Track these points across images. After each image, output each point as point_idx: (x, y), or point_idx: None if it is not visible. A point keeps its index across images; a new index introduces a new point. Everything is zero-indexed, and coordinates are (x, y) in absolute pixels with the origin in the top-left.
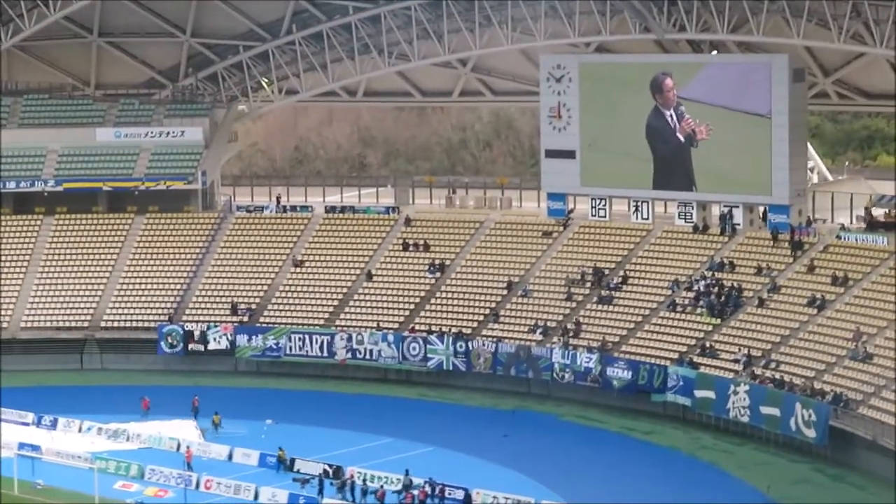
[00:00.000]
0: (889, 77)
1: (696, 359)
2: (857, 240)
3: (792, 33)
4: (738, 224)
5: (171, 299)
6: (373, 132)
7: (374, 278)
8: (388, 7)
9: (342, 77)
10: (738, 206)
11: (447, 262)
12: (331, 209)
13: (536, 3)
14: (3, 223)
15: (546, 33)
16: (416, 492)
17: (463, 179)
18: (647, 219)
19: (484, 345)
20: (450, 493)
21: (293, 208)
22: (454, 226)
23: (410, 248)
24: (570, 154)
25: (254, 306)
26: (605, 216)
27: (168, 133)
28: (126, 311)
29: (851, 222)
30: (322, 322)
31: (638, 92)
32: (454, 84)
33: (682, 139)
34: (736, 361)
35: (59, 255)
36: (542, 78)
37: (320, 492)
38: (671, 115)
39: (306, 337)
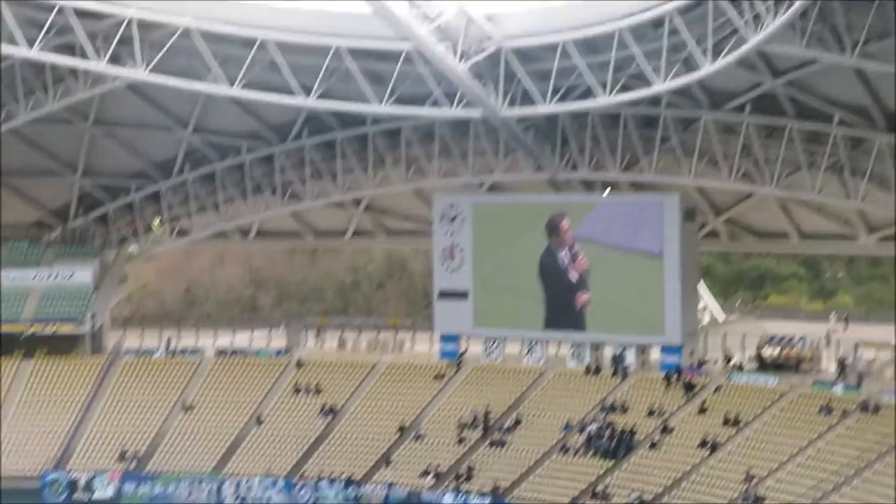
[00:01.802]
0: (778, 216)
1: (588, 502)
2: (748, 380)
3: (683, 172)
4: (631, 365)
5: (57, 446)
6: (265, 274)
7: (265, 422)
8: (281, 147)
9: (235, 217)
10: (630, 347)
11: (339, 406)
12: (221, 352)
13: (429, 143)
14: None
15: (439, 172)
16: None
17: (355, 321)
18: (540, 360)
19: (375, 490)
20: None
21: (183, 351)
22: (346, 369)
23: (302, 392)
24: (463, 294)
25: (142, 452)
26: (497, 357)
27: (57, 275)
28: (10, 458)
29: (743, 362)
30: (211, 468)
31: (531, 231)
32: (347, 224)
33: (574, 279)
34: None
35: None
36: (435, 218)
37: None
38: (565, 254)
39: (195, 484)
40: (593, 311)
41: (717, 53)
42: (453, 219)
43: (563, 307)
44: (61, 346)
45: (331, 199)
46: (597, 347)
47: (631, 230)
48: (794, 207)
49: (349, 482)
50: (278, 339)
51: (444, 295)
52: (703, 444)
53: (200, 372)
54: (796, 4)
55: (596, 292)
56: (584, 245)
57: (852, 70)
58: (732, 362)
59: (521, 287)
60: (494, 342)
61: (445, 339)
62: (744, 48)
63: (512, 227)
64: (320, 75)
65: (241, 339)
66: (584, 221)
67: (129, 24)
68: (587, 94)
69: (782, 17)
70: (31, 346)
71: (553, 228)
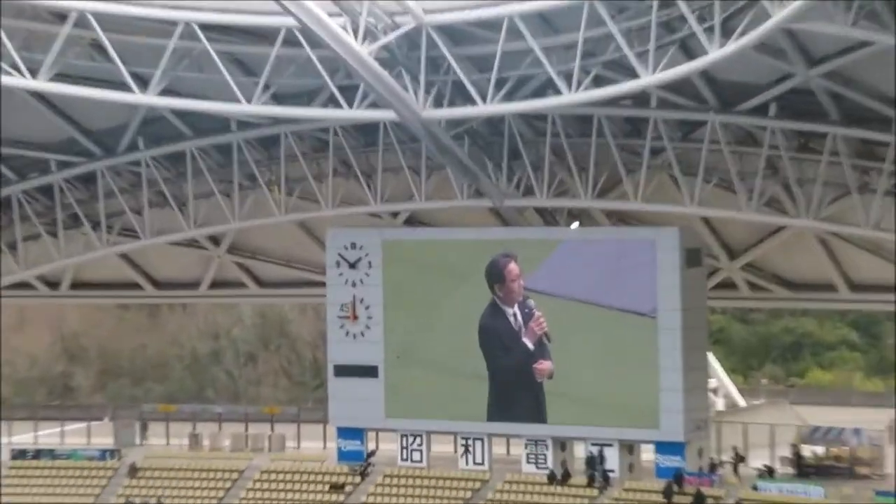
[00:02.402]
0: (818, 259)
1: None
2: (781, 491)
3: (683, 198)
4: (613, 471)
5: None
6: (83, 342)
7: None
8: (106, 162)
9: (39, 262)
10: (611, 445)
11: None
12: (20, 453)
13: (320, 158)
14: None
15: (335, 198)
16: None
17: (214, 409)
18: (482, 463)
19: None
20: None
21: None
22: (201, 477)
23: None
24: (370, 371)
25: None
26: (421, 460)
27: None
28: None
29: (774, 466)
30: None
31: (467, 280)
32: (203, 271)
33: (530, 347)
34: None
35: None
36: (329, 263)
37: None
38: (515, 314)
39: None
40: (558, 395)
41: (727, 33)
42: (355, 263)
43: (514, 389)
44: None
45: (179, 236)
46: (563, 446)
47: (610, 280)
48: (840, 247)
49: None
50: (102, 435)
51: (343, 371)
52: None
53: None
54: None
55: (562, 368)
56: (542, 300)
57: None
58: (758, 466)
59: (453, 360)
60: (416, 439)
61: (345, 434)
62: (766, 26)
63: (440, 276)
64: (163, 62)
65: (49, 434)
66: (541, 266)
67: None
68: (545, 89)
69: None
70: None
71: (496, 276)
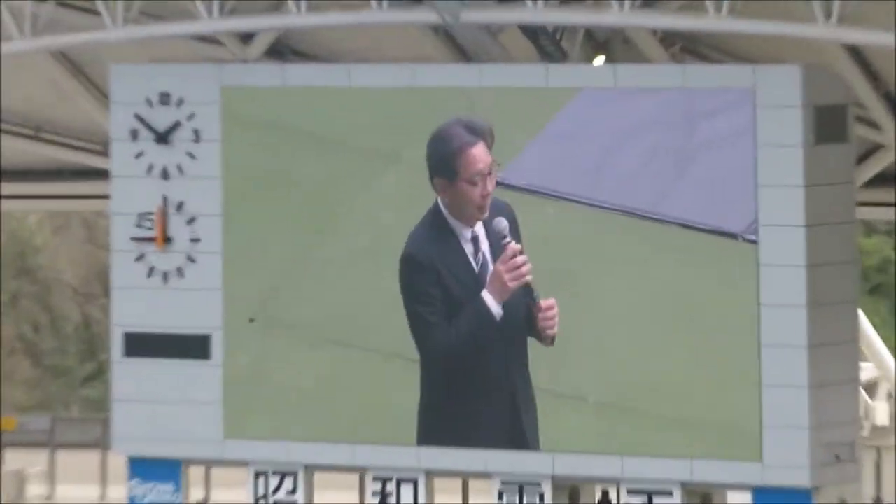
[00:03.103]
0: None
1: None
2: None
3: (811, 9)
4: None
5: None
6: None
7: None
8: None
9: None
10: (667, 494)
11: None
12: None
13: None
14: None
15: (128, 8)
16: None
17: None
18: None
19: None
20: None
21: None
22: None
23: None
24: (195, 347)
25: None
26: None
27: None
28: None
29: None
30: None
31: (386, 172)
32: None
33: (492, 310)
34: None
35: None
36: (114, 132)
37: None
38: (475, 241)
39: None
40: (561, 397)
41: None
42: (167, 134)
43: (476, 385)
44: None
45: None
46: (573, 495)
47: (665, 169)
48: None
49: None
50: None
51: (141, 347)
52: None
53: None
54: None
55: (568, 345)
56: (532, 207)
57: None
58: None
59: (354, 327)
60: (284, 481)
61: (144, 470)
62: None
63: (333, 161)
64: None
65: None
66: (534, 143)
67: None
68: None
69: None
70: None
71: (445, 165)
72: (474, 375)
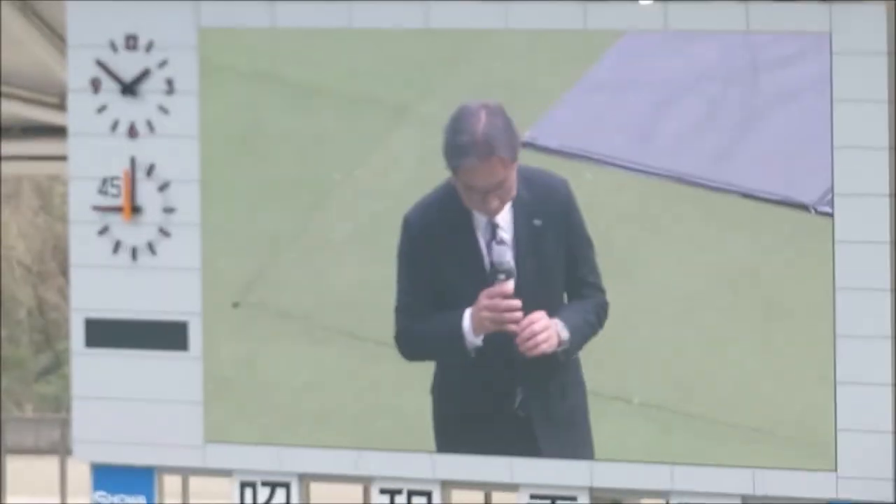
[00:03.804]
0: None
1: None
2: None
3: None
4: None
5: None
6: None
7: None
8: None
9: None
10: None
11: None
12: None
13: None
14: None
15: None
16: None
17: None
18: None
19: None
20: None
21: None
22: None
23: None
24: (169, 335)
25: None
26: None
27: None
28: None
29: None
30: None
31: (393, 134)
32: None
33: (472, 343)
34: None
35: None
36: (72, 82)
37: None
38: (490, 229)
39: None
40: (595, 398)
41: None
42: (134, 84)
43: (499, 380)
44: None
45: None
46: None
47: (725, 129)
48: None
49: None
50: None
51: (106, 335)
52: None
53: None
54: None
55: (610, 336)
56: (566, 174)
57: None
58: None
59: (358, 312)
60: (276, 492)
61: (110, 480)
62: None
63: (331, 113)
64: None
65: None
66: (570, 94)
67: None
68: None
69: None
70: None
71: (447, 156)
72: (495, 369)
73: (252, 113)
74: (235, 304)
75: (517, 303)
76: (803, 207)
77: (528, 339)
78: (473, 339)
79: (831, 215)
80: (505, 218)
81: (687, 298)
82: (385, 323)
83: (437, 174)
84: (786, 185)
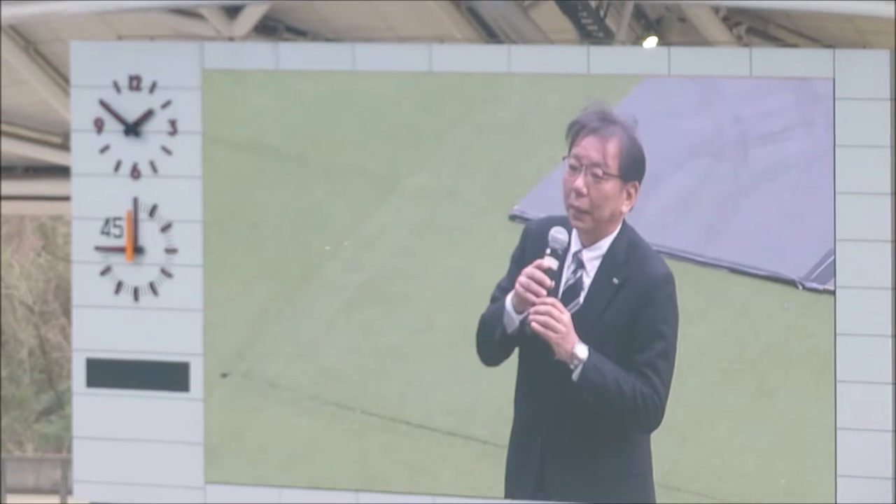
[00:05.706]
0: None
1: None
2: None
3: None
4: None
5: None
6: None
7: None
8: None
9: None
10: None
11: None
12: None
13: None
14: None
15: None
16: None
17: None
18: None
19: None
20: None
21: None
22: None
23: None
24: (170, 377)
25: None
26: None
27: None
28: None
29: None
30: None
31: (400, 180)
32: None
33: (512, 319)
34: None
35: None
36: (75, 122)
37: None
38: (577, 260)
39: None
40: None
41: None
42: (137, 125)
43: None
44: None
45: None
46: None
47: (718, 188)
48: None
49: None
50: None
51: (106, 375)
52: None
53: None
54: None
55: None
56: None
57: None
58: None
59: (352, 379)
60: None
61: None
62: None
63: (346, 148)
64: None
65: None
66: (554, 176)
67: None
68: None
69: None
70: None
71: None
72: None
73: (256, 154)
74: (224, 375)
75: (547, 279)
76: (791, 283)
77: (543, 312)
78: (514, 316)
79: (820, 291)
80: (589, 255)
81: (678, 374)
82: (382, 394)
83: (427, 245)
84: (774, 261)
